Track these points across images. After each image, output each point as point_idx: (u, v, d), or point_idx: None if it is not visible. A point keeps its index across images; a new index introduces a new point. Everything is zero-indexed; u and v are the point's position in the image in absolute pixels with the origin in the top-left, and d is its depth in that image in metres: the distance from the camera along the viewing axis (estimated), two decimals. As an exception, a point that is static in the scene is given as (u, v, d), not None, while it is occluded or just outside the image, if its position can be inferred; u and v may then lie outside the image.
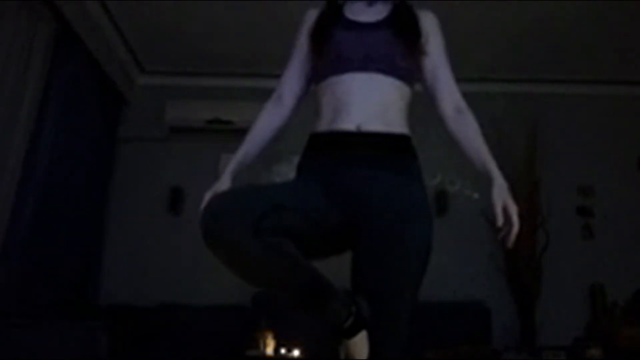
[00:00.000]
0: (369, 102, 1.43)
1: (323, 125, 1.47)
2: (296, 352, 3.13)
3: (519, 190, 3.36)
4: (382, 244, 1.31)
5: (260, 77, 3.93)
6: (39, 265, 3.08)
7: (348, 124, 1.41)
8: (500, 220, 1.31)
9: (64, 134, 3.24)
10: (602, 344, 3.10)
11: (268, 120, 1.56)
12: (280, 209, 1.23)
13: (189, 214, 3.77)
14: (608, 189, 4.02)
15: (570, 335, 3.35)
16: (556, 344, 3.30)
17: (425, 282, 1.35)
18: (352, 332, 1.24)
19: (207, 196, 1.35)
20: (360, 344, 1.24)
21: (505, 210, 1.32)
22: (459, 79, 1.56)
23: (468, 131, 1.46)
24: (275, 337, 3.21)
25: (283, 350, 3.16)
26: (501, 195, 1.33)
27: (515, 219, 1.31)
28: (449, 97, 1.51)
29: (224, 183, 1.42)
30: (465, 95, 1.53)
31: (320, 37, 1.52)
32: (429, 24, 1.55)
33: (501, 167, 1.41)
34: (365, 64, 1.44)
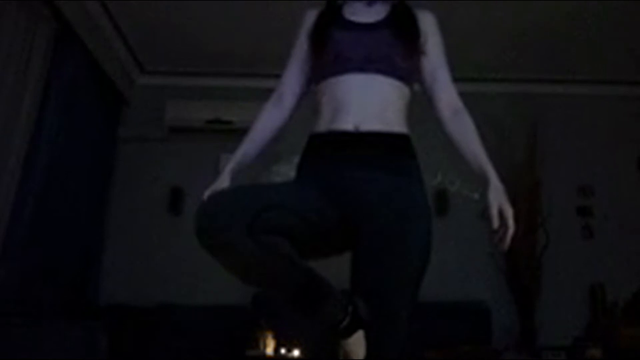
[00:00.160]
0: (368, 102, 1.43)
1: (322, 126, 1.47)
2: (296, 352, 3.13)
3: (519, 190, 3.39)
4: (382, 243, 1.31)
5: (260, 77, 3.92)
6: (39, 265, 3.08)
7: (346, 124, 1.42)
8: (495, 223, 1.31)
9: (64, 134, 3.24)
10: (602, 344, 3.10)
11: (268, 121, 1.56)
12: (276, 208, 1.23)
13: (189, 214, 3.74)
14: (608, 189, 4.02)
15: (570, 335, 3.35)
16: (556, 344, 3.31)
17: (425, 282, 1.35)
18: (349, 332, 1.23)
19: (206, 196, 1.35)
20: (357, 344, 1.24)
21: (501, 213, 1.32)
22: (459, 79, 1.56)
23: (465, 132, 1.47)
24: (275, 337, 3.22)
25: (283, 350, 3.16)
26: (497, 197, 1.33)
27: (511, 221, 1.31)
28: (447, 97, 1.52)
29: (222, 182, 1.42)
30: (465, 95, 1.53)
31: (319, 37, 1.52)
32: (428, 24, 1.55)
33: (501, 168, 1.41)
34: (365, 65, 1.44)
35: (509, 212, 1.31)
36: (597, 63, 4.02)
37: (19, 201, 2.91)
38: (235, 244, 1.14)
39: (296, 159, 1.51)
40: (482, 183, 1.38)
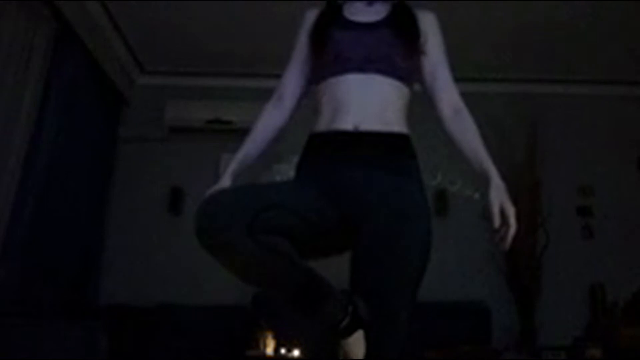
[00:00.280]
0: (368, 102, 1.43)
1: (322, 125, 1.47)
2: (296, 352, 3.13)
3: (519, 190, 3.39)
4: (381, 243, 1.30)
5: (260, 77, 3.93)
6: (39, 265, 3.08)
7: (346, 124, 1.42)
8: (497, 222, 1.30)
9: (64, 134, 3.24)
10: (602, 344, 3.10)
11: (269, 121, 1.56)
12: (276, 208, 1.23)
13: (189, 214, 3.74)
14: (608, 189, 4.02)
15: (570, 335, 3.35)
16: (556, 344, 3.31)
17: (425, 282, 1.35)
18: (349, 332, 1.23)
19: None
20: (356, 343, 1.24)
21: (502, 211, 1.31)
22: (459, 79, 1.56)
23: (466, 131, 1.46)
24: (275, 337, 3.22)
25: (283, 350, 3.16)
26: (498, 195, 1.32)
27: (512, 220, 1.29)
28: (447, 97, 1.51)
29: (224, 183, 1.42)
30: (465, 95, 1.53)
31: (319, 37, 1.52)
32: (428, 24, 1.55)
33: (501, 168, 1.41)
34: (365, 64, 1.44)
35: (511, 211, 1.30)
36: (597, 63, 4.02)
37: (19, 201, 2.90)
38: (235, 244, 1.14)
39: (297, 159, 1.51)
40: (483, 182, 1.38)
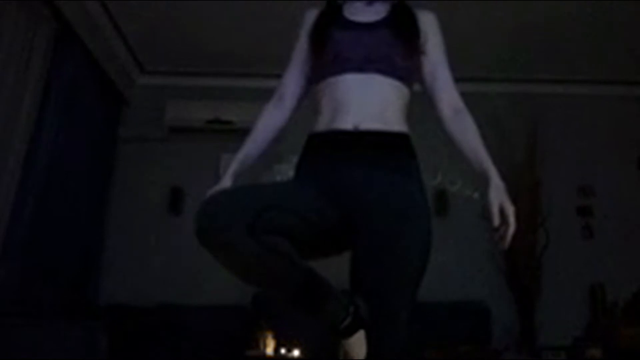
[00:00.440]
0: (367, 102, 1.43)
1: (321, 125, 1.47)
2: (296, 352, 3.13)
3: (519, 190, 3.39)
4: (381, 243, 1.30)
5: (260, 77, 3.92)
6: (39, 265, 3.08)
7: (345, 124, 1.42)
8: (496, 221, 1.30)
9: (64, 134, 3.24)
10: (602, 344, 3.10)
11: (269, 121, 1.56)
12: (276, 208, 1.23)
13: (189, 214, 3.75)
14: (608, 189, 4.02)
15: (570, 335, 3.35)
16: (556, 344, 3.31)
17: (425, 282, 1.35)
18: (350, 332, 1.23)
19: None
20: (358, 343, 1.24)
21: (502, 211, 1.31)
22: (459, 79, 1.56)
23: (466, 131, 1.46)
24: (275, 337, 3.22)
25: (283, 350, 3.16)
26: (498, 195, 1.33)
27: (512, 219, 1.30)
28: (447, 97, 1.51)
29: (225, 184, 1.42)
30: (465, 95, 1.53)
31: (319, 37, 1.52)
32: (428, 23, 1.55)
33: (501, 168, 1.41)
34: (364, 64, 1.44)
35: (510, 210, 1.31)
36: (597, 63, 4.02)
37: (19, 201, 2.91)
38: (235, 244, 1.14)
39: (297, 159, 1.51)
40: (483, 182, 1.38)
